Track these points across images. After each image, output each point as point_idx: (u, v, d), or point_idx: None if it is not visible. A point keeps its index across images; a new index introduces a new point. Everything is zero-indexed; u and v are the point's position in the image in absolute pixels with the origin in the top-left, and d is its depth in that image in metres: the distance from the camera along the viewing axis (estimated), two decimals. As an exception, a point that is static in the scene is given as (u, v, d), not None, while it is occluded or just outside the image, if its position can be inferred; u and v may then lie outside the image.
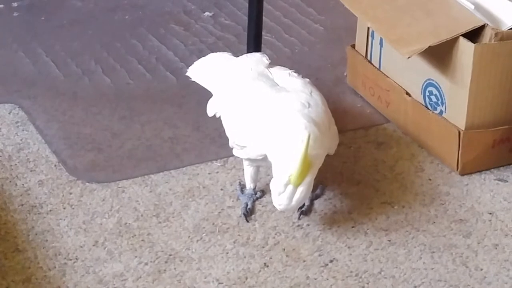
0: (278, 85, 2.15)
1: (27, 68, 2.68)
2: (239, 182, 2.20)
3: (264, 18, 2.55)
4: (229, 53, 2.39)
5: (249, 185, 2.16)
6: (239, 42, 2.80)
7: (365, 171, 2.27)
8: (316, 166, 2.01)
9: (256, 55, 2.29)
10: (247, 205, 2.13)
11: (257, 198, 2.16)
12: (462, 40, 2.16)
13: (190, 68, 2.36)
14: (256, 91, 2.13)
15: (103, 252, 2.00)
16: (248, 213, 2.11)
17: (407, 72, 2.36)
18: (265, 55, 2.27)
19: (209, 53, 2.44)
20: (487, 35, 2.14)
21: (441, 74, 2.25)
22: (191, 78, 2.33)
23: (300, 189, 1.96)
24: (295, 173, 1.95)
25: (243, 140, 2.08)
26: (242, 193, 2.16)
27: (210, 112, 2.21)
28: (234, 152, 2.12)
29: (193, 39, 2.83)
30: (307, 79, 2.20)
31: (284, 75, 2.19)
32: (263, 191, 2.17)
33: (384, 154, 2.33)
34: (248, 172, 2.14)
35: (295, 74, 2.20)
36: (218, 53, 2.41)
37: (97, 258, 1.99)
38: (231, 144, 2.13)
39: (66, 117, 2.47)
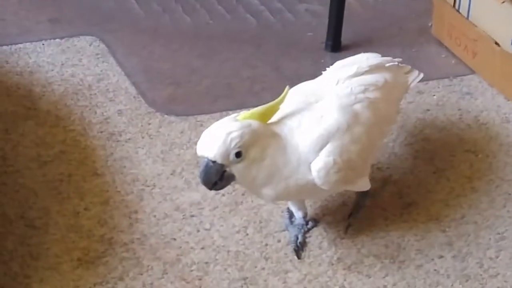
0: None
1: (108, 3, 2.67)
2: (287, 209, 1.90)
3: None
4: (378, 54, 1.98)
5: (296, 213, 1.88)
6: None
7: (448, 119, 2.21)
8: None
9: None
10: (297, 238, 1.84)
11: (308, 230, 1.86)
12: (561, -14, 2.08)
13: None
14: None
15: (180, 181, 1.99)
16: (300, 248, 1.82)
17: (497, 21, 2.28)
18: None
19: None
20: None
21: (535, 22, 2.18)
22: None
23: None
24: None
25: None
26: (291, 224, 1.87)
27: None
28: None
29: (275, -17, 2.79)
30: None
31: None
32: (315, 220, 1.90)
33: (469, 104, 2.26)
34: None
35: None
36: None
37: (174, 186, 1.97)
38: None
39: (146, 52, 2.46)
